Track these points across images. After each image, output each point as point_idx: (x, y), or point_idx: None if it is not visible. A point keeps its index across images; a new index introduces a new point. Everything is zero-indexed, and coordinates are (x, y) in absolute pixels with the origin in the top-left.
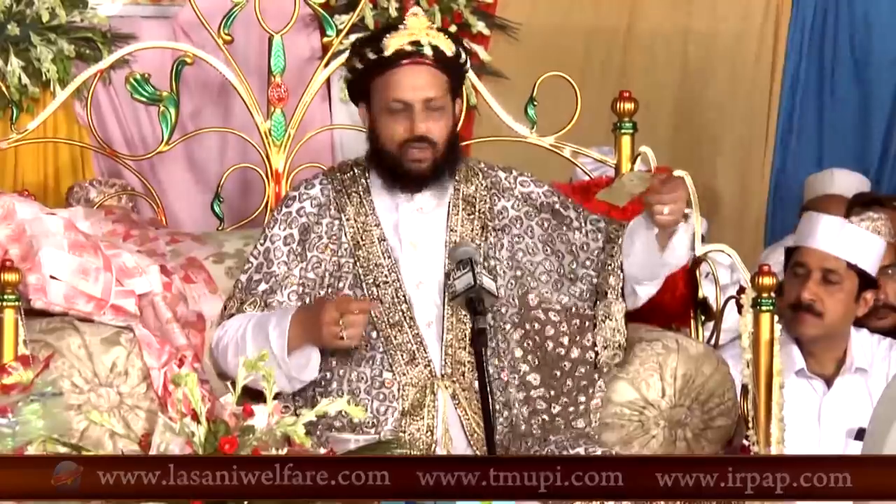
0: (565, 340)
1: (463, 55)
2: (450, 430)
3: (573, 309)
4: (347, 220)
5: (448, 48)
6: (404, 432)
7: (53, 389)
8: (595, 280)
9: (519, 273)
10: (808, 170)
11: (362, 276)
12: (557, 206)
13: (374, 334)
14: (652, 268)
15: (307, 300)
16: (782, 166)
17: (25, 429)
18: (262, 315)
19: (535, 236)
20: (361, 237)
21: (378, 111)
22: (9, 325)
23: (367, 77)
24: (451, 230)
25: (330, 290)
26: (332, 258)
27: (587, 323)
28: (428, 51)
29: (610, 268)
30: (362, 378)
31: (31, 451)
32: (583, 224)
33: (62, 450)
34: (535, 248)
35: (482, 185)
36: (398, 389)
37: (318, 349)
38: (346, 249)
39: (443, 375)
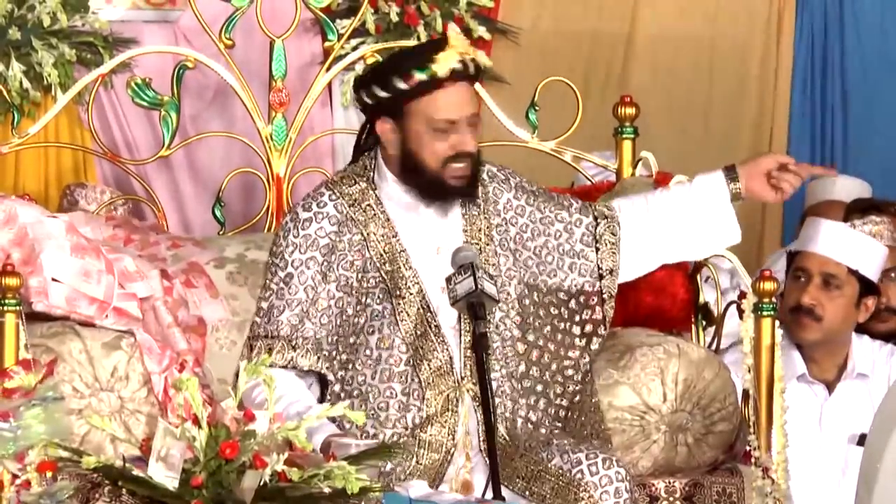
0: (577, 318)
1: None
2: (469, 434)
3: (577, 285)
4: (369, 235)
5: (485, 62)
6: (425, 433)
7: (54, 394)
8: (592, 255)
9: (530, 262)
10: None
11: (391, 290)
12: (542, 190)
13: (402, 348)
14: (699, 244)
15: (338, 321)
16: None
17: (27, 433)
18: (304, 411)
19: (536, 220)
20: (384, 250)
21: (419, 130)
22: (10, 329)
23: (410, 97)
24: (465, 230)
25: (358, 308)
26: (357, 275)
27: (593, 299)
28: (472, 69)
29: (609, 244)
30: (392, 394)
31: (33, 455)
32: (571, 202)
33: (63, 454)
34: (538, 230)
35: (483, 180)
36: (424, 398)
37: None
38: (371, 265)
39: (463, 378)
